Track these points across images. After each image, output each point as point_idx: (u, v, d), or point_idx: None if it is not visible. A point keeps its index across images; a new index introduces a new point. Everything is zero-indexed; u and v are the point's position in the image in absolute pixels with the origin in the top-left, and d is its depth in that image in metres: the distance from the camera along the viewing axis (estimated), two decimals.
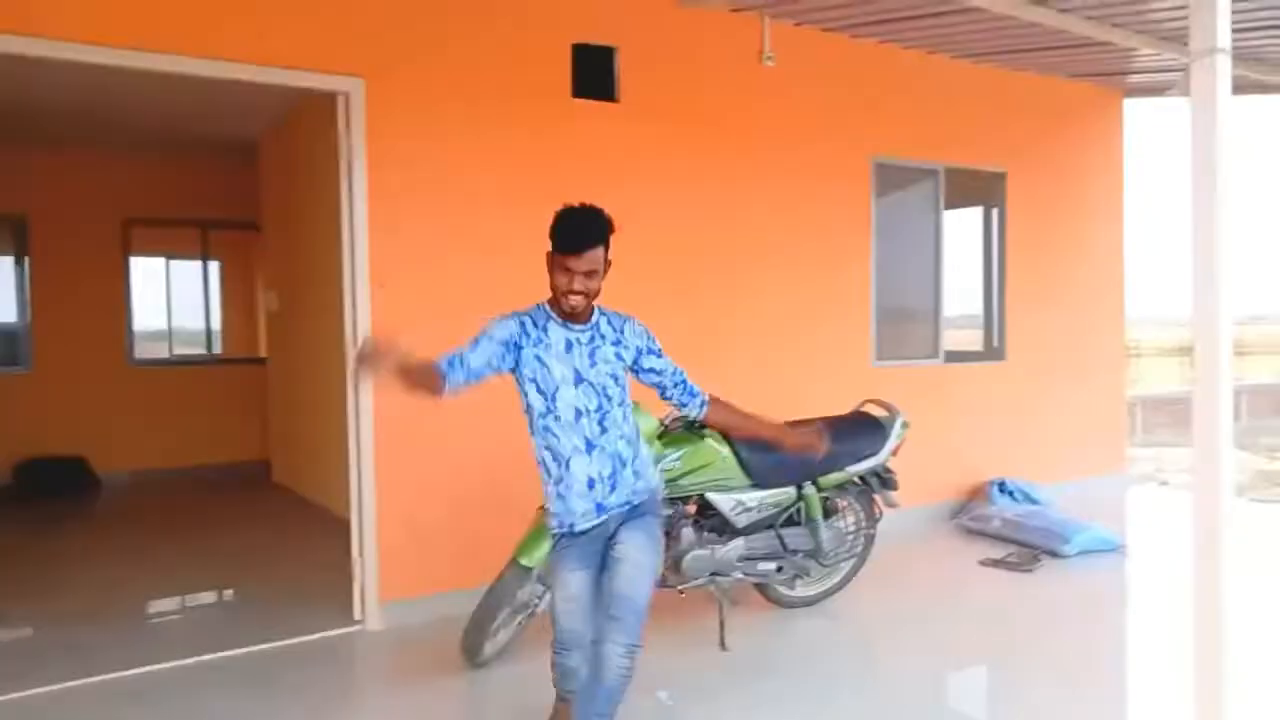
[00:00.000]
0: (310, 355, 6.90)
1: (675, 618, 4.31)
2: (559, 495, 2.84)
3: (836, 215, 5.90)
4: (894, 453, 4.48)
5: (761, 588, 4.40)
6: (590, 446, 2.82)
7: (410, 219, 4.38)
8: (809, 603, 4.53)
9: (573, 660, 2.88)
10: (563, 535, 2.87)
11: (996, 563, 5.30)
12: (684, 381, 2.99)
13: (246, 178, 8.38)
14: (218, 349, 9.25)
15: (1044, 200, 6.92)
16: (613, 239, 2.77)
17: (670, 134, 5.14)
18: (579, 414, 2.81)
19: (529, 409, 2.85)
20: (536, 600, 3.82)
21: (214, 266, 9.18)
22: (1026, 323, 6.83)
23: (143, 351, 8.69)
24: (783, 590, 4.43)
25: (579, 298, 2.73)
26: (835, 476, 4.31)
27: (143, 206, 8.38)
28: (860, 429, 4.42)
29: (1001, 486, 6.31)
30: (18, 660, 4.04)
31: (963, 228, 6.85)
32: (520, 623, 3.86)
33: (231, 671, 3.90)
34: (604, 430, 2.83)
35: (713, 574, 4.03)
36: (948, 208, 6.46)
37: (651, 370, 2.95)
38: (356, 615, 4.39)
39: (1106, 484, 7.18)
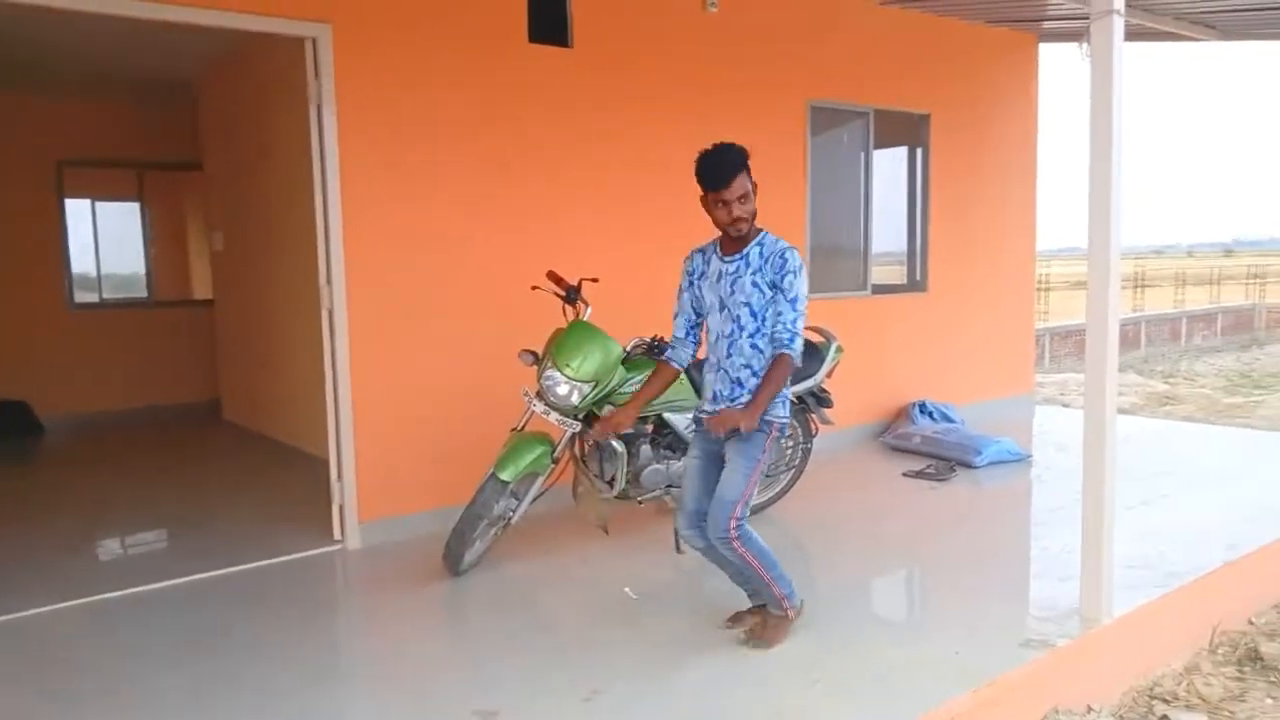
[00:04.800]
0: (265, 294, 7.03)
1: (636, 526, 4.76)
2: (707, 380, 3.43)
3: (775, 155, 6.25)
4: (829, 375, 4.95)
5: None
6: (717, 367, 3.33)
7: (381, 163, 4.57)
8: (752, 511, 5.00)
9: (681, 524, 3.43)
10: (701, 414, 3.43)
11: (917, 474, 5.87)
12: (778, 329, 3.17)
13: (178, 118, 8.30)
14: (154, 292, 9.20)
15: (963, 141, 7.39)
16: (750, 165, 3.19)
17: (619, 79, 5.40)
18: (718, 337, 3.32)
19: None
20: (511, 512, 4.19)
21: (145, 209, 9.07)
22: (946, 257, 7.35)
23: (79, 296, 8.62)
24: None
25: (743, 223, 3.19)
26: None
27: (76, 148, 8.25)
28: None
29: (922, 407, 6.88)
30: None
31: (890, 167, 7.27)
32: (496, 533, 4.23)
33: (217, 589, 4.16)
34: (729, 355, 3.29)
35: (668, 486, 4.45)
36: (876, 148, 6.89)
37: (772, 305, 3.20)
38: (336, 535, 4.69)
39: (1015, 405, 7.85)
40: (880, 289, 7.07)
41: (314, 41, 4.29)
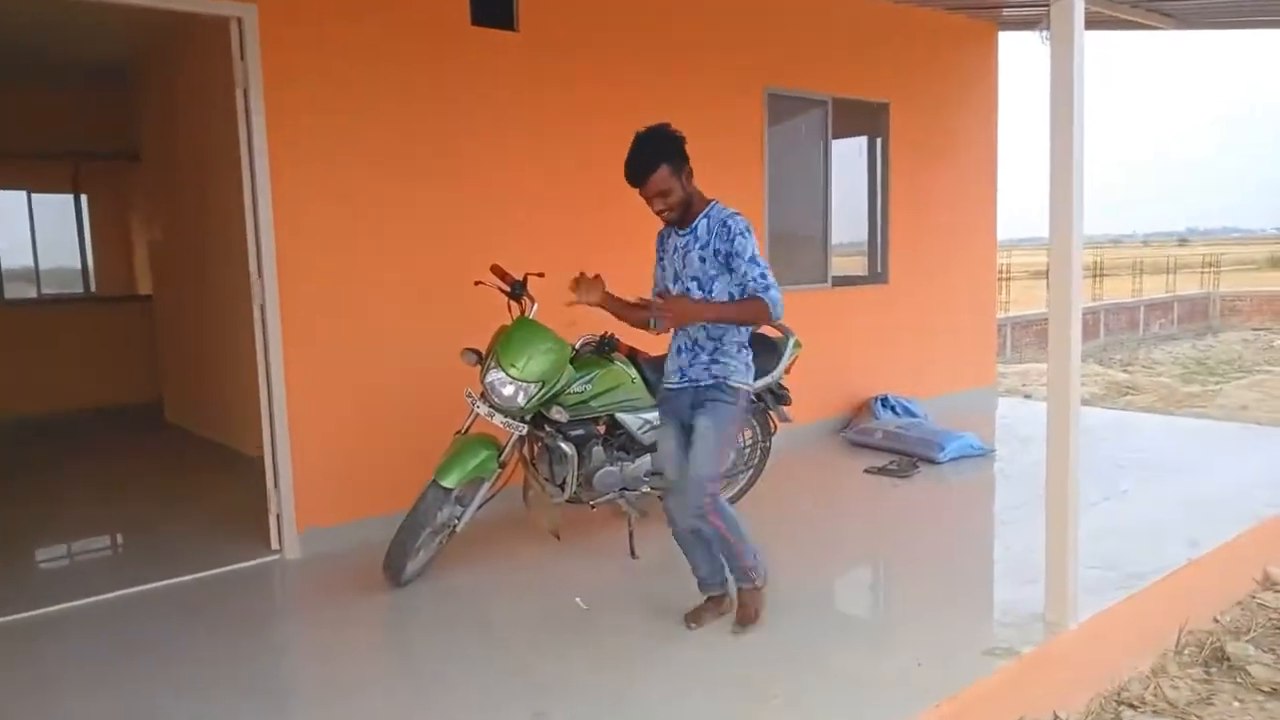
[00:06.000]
0: (205, 288, 6.73)
1: (589, 530, 4.57)
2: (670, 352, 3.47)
3: (731, 144, 6.08)
4: (787, 371, 4.78)
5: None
6: (681, 329, 3.35)
7: (313, 150, 4.33)
8: None
9: (667, 500, 3.40)
10: (667, 388, 3.47)
11: (879, 470, 5.75)
12: (748, 285, 3.15)
13: (118, 108, 7.94)
14: (93, 287, 8.84)
15: (924, 130, 7.28)
16: (674, 150, 3.19)
17: (567, 65, 5.19)
18: None
19: None
20: (456, 520, 3.99)
21: (82, 200, 8.70)
22: (907, 247, 7.24)
23: (11, 292, 8.25)
24: None
25: (667, 213, 3.28)
26: None
27: (8, 139, 7.84)
28: (755, 349, 4.68)
29: (884, 401, 6.77)
30: None
31: (849, 156, 7.14)
32: (440, 542, 4.03)
33: (146, 604, 3.94)
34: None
35: (622, 489, 4.27)
36: (835, 137, 6.75)
37: (733, 271, 3.21)
38: (274, 545, 4.46)
39: (978, 397, 7.78)
40: (840, 281, 6.94)
41: (239, 22, 4.04)
